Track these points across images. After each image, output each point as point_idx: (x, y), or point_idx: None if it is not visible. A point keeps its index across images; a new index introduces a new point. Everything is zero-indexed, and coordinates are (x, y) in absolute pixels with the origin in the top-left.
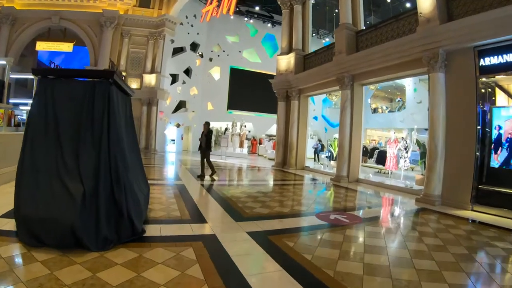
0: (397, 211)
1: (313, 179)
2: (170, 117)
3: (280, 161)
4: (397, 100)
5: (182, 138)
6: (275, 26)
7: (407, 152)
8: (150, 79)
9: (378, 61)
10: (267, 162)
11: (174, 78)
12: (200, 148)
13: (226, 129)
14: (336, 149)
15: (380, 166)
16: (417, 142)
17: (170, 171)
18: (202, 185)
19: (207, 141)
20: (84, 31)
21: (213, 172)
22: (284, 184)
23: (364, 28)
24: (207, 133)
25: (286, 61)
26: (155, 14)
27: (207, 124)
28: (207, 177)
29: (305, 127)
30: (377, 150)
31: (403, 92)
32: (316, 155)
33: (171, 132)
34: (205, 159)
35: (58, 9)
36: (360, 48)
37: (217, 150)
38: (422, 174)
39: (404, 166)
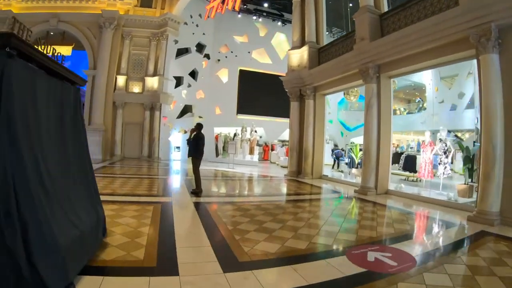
0: (450, 237)
1: (334, 192)
2: (175, 122)
3: (294, 170)
4: (416, 101)
5: (188, 144)
6: (285, 24)
7: (447, 157)
8: (152, 82)
9: (410, 45)
10: (280, 170)
11: (179, 81)
12: (189, 154)
13: (235, 134)
14: (359, 155)
15: (407, 173)
16: (459, 144)
17: (164, 183)
18: (196, 203)
19: (196, 145)
20: (82, 33)
21: (198, 188)
22: (298, 199)
23: (389, 9)
24: (196, 137)
25: (299, 56)
26: (157, 14)
27: (198, 126)
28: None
29: (322, 131)
30: (404, 155)
31: (422, 92)
32: (335, 161)
33: (176, 138)
34: (194, 164)
35: (56, 11)
36: (385, 33)
37: (225, 157)
38: (466, 183)
39: (444, 173)
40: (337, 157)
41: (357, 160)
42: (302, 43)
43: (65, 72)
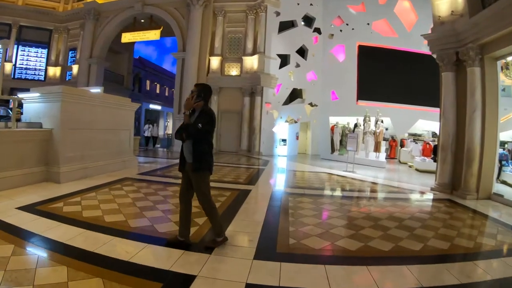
0: None
1: None
2: (280, 110)
3: (446, 182)
4: None
5: (297, 138)
6: None
7: None
8: (252, 62)
9: None
10: (417, 176)
11: (285, 60)
12: (182, 163)
13: (355, 125)
14: None
15: None
16: None
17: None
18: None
19: (201, 142)
20: (170, 14)
21: (218, 232)
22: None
23: None
24: (204, 118)
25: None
26: None
27: (202, 89)
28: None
29: (496, 118)
30: None
31: None
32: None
33: (281, 129)
34: (197, 188)
35: None
36: None
37: (343, 154)
38: None
39: None
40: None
41: None
42: None
43: None
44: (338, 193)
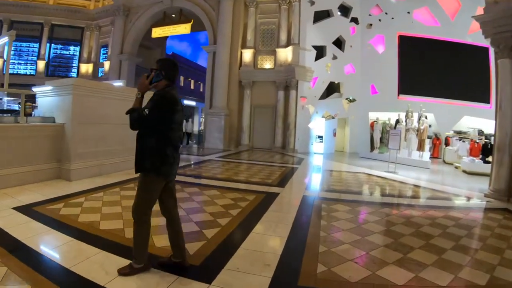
0: None
1: None
2: (317, 104)
3: (503, 188)
4: None
5: (334, 135)
6: None
7: None
8: (286, 54)
9: None
10: (464, 179)
11: (321, 51)
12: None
13: (397, 121)
14: None
15: None
16: None
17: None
18: None
19: (138, 119)
20: (199, 7)
21: (136, 255)
22: None
23: None
24: (155, 95)
25: None
26: None
27: (163, 65)
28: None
29: None
30: None
31: None
32: None
33: (318, 125)
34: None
35: None
36: None
37: (384, 152)
38: None
39: None
40: None
41: None
42: None
43: None
44: (379, 198)
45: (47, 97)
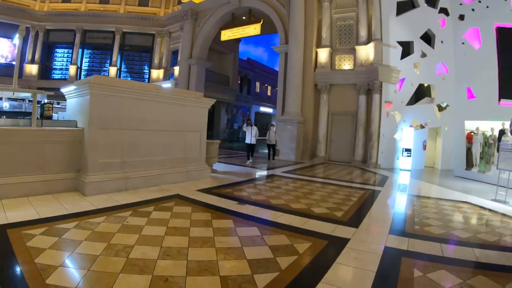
0: None
1: None
2: (404, 111)
3: None
4: None
5: (424, 148)
6: None
7: None
8: (367, 52)
9: None
10: None
11: (407, 48)
12: None
13: (501, 132)
14: None
15: None
16: None
17: None
18: None
19: None
20: (268, 5)
21: None
22: None
23: None
24: None
25: None
26: None
27: None
28: None
29: None
30: None
31: None
32: None
33: (405, 136)
34: None
35: None
36: None
37: (485, 172)
38: None
39: None
40: None
41: None
42: None
43: None
44: (497, 257)
45: (72, 99)
